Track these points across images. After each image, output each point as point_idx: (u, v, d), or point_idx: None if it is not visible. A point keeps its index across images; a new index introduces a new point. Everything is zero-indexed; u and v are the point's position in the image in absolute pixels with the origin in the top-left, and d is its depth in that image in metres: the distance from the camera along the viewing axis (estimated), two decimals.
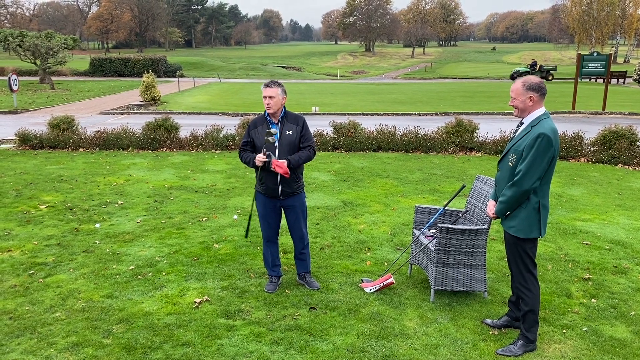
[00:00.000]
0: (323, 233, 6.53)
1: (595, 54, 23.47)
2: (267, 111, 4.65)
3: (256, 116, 4.86)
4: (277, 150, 4.60)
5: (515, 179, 3.74)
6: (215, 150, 12.17)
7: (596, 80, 39.62)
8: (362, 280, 5.14)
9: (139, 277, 5.22)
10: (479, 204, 4.90)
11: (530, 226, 3.81)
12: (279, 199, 4.75)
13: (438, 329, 4.29)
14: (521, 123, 3.90)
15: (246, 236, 5.09)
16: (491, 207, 4.08)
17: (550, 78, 42.29)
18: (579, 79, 23.57)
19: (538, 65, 43.01)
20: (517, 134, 3.91)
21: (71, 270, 5.37)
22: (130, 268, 5.43)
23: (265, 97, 4.62)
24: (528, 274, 3.93)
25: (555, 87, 34.23)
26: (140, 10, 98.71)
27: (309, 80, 49.57)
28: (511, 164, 3.84)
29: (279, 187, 4.67)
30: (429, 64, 72.84)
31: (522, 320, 4.01)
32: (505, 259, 5.73)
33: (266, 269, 5.11)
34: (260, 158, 4.50)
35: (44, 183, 8.92)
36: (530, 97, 3.78)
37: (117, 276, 5.23)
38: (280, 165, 4.48)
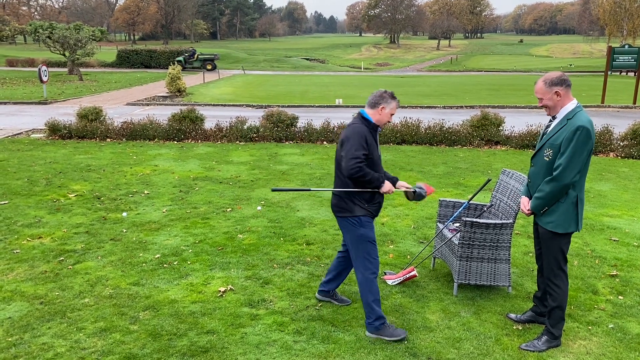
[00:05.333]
0: None
1: (626, 46, 22.88)
2: (381, 125, 4.11)
3: (362, 125, 4.00)
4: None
5: (555, 173, 3.66)
6: (240, 141, 12.26)
7: (627, 74, 38.65)
8: (384, 272, 5.14)
9: (165, 265, 5.32)
10: (504, 198, 4.86)
11: (569, 221, 3.74)
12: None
13: (461, 322, 4.28)
14: (553, 118, 3.83)
15: None
16: (525, 203, 3.99)
17: (209, 67, 41.70)
18: (609, 72, 23.03)
19: (196, 55, 42.48)
20: (550, 129, 3.83)
21: (99, 257, 5.50)
22: (156, 256, 5.53)
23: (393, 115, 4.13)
24: (559, 270, 3.88)
25: (584, 81, 33.55)
26: (167, 3, 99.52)
27: (332, 72, 49.46)
28: (547, 159, 3.76)
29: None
30: (454, 56, 71.98)
31: (547, 315, 3.97)
32: (531, 254, 5.68)
33: (377, 308, 4.02)
34: (407, 190, 4.23)
35: (73, 172, 9.11)
36: (556, 92, 3.72)
37: (144, 264, 5.34)
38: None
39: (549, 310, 3.96)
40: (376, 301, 4.01)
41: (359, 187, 3.93)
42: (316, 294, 4.62)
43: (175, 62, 40.88)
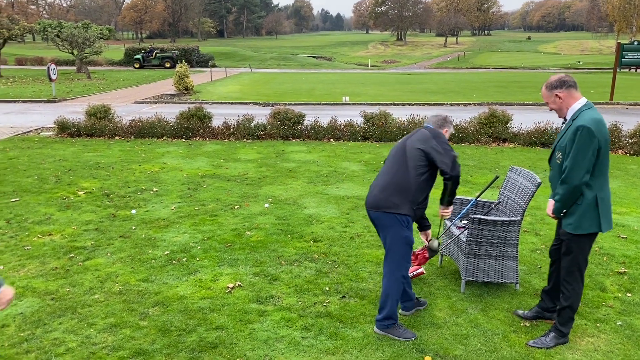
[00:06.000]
0: (353, 222, 6.57)
1: (635, 43, 22.70)
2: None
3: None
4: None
5: (563, 176, 3.66)
6: (247, 139, 12.30)
7: (636, 70, 38.38)
8: None
9: (174, 262, 5.36)
10: (512, 195, 4.86)
11: (589, 222, 3.70)
12: None
13: (468, 319, 4.29)
14: (565, 120, 3.84)
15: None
16: (550, 206, 3.96)
17: (168, 65, 41.56)
18: (618, 69, 22.87)
19: (154, 53, 42.42)
20: (561, 130, 3.87)
21: (109, 254, 5.55)
22: (165, 253, 5.57)
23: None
24: (577, 272, 3.84)
25: (593, 78, 33.35)
26: (174, 1, 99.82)
27: (339, 70, 49.43)
28: (559, 162, 3.78)
29: None
30: (461, 53, 71.70)
31: (557, 313, 3.97)
32: (539, 252, 5.67)
33: (394, 308, 4.01)
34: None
35: (82, 170, 9.18)
36: (557, 94, 3.75)
37: (153, 261, 5.38)
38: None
39: (560, 309, 3.95)
40: (395, 302, 4.01)
41: (453, 189, 4.03)
42: (401, 312, 4.33)
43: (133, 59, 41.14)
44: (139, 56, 42.32)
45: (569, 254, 3.84)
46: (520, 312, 4.36)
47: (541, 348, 3.87)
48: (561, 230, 3.89)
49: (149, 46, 45.76)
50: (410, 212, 3.94)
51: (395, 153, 4.09)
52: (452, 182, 3.98)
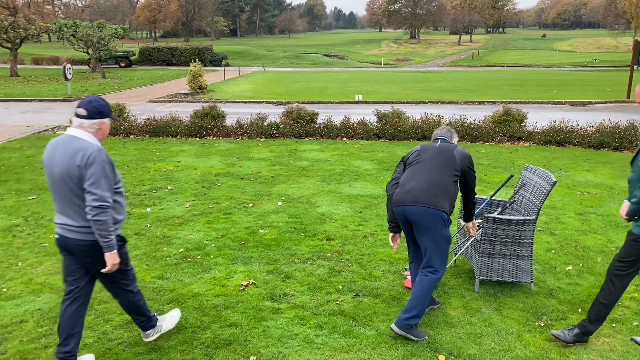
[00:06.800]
0: (366, 221, 6.57)
1: None
2: None
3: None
4: None
5: None
6: (260, 138, 12.35)
7: None
8: (405, 268, 5.16)
9: (188, 259, 5.41)
10: (526, 194, 4.83)
11: None
12: None
13: (482, 318, 4.28)
14: None
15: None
16: (625, 208, 3.89)
17: (123, 64, 41.05)
18: (635, 67, 22.56)
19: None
20: None
21: None
22: (180, 251, 5.62)
23: None
24: (633, 273, 3.76)
25: (610, 75, 32.94)
26: (187, 0, 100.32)
27: (352, 68, 49.37)
28: None
29: None
30: (476, 51, 71.22)
31: (591, 309, 3.88)
32: (553, 251, 5.63)
33: (424, 308, 3.99)
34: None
35: None
36: None
37: (168, 258, 5.44)
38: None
39: (594, 304, 3.86)
40: (426, 302, 3.96)
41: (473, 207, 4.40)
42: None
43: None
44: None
45: (630, 255, 3.73)
46: (557, 332, 3.99)
47: (560, 340, 3.85)
48: (630, 233, 3.75)
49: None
50: (451, 211, 4.01)
51: (430, 158, 4.11)
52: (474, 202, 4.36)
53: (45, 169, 3.39)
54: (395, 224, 4.28)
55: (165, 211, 6.96)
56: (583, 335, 3.90)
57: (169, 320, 4.02)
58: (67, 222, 3.34)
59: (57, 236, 3.42)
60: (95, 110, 3.33)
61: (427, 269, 4.00)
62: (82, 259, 3.41)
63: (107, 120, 3.40)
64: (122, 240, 3.52)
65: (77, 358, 3.55)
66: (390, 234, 4.38)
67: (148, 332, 3.88)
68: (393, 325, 3.95)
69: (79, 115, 3.33)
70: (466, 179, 4.14)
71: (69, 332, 3.46)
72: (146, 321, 3.84)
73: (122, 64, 41.97)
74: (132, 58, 46.10)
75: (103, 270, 3.36)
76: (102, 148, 3.28)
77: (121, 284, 3.60)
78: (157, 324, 3.92)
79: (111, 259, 3.31)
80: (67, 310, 3.47)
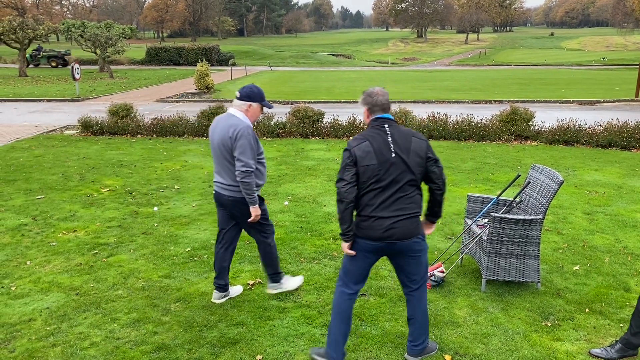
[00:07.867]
0: None
1: None
2: None
3: None
4: None
5: None
6: (267, 137, 12.36)
7: None
8: None
9: (195, 258, 5.43)
10: (533, 193, 4.81)
11: None
12: None
13: (489, 318, 4.27)
14: None
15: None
16: None
17: (54, 64, 40.64)
18: None
19: (41, 52, 41.48)
20: None
21: (131, 250, 5.64)
22: (186, 250, 5.65)
23: None
24: None
25: (618, 74, 32.71)
26: (194, 0, 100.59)
27: (359, 67, 49.30)
28: None
29: None
30: (483, 50, 70.94)
31: (633, 317, 3.67)
32: (561, 251, 5.60)
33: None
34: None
35: (105, 168, 9.33)
36: None
37: (175, 257, 5.46)
38: None
39: (634, 315, 3.64)
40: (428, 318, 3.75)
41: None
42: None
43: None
44: (28, 55, 41.66)
45: None
46: (597, 350, 3.78)
47: (604, 358, 3.68)
48: None
49: (38, 45, 45.10)
50: None
51: (398, 179, 3.33)
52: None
53: (209, 138, 4.14)
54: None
55: (172, 210, 6.99)
56: (627, 349, 3.68)
57: (292, 281, 4.63)
58: (221, 180, 4.15)
59: (214, 191, 4.26)
60: (246, 94, 4.03)
61: (424, 294, 3.65)
62: (231, 211, 4.22)
63: (254, 104, 4.05)
64: (261, 200, 4.24)
65: (230, 287, 4.55)
66: (348, 243, 3.46)
67: (272, 284, 4.53)
68: (407, 356, 3.68)
69: (236, 97, 4.07)
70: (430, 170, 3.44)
71: (221, 265, 4.40)
72: (274, 275, 4.48)
73: (54, 64, 41.22)
74: (140, 58, 46.13)
75: (249, 220, 4.13)
76: (249, 125, 3.99)
77: (261, 235, 4.34)
78: (282, 281, 4.53)
79: (254, 211, 4.09)
80: (219, 250, 4.41)
